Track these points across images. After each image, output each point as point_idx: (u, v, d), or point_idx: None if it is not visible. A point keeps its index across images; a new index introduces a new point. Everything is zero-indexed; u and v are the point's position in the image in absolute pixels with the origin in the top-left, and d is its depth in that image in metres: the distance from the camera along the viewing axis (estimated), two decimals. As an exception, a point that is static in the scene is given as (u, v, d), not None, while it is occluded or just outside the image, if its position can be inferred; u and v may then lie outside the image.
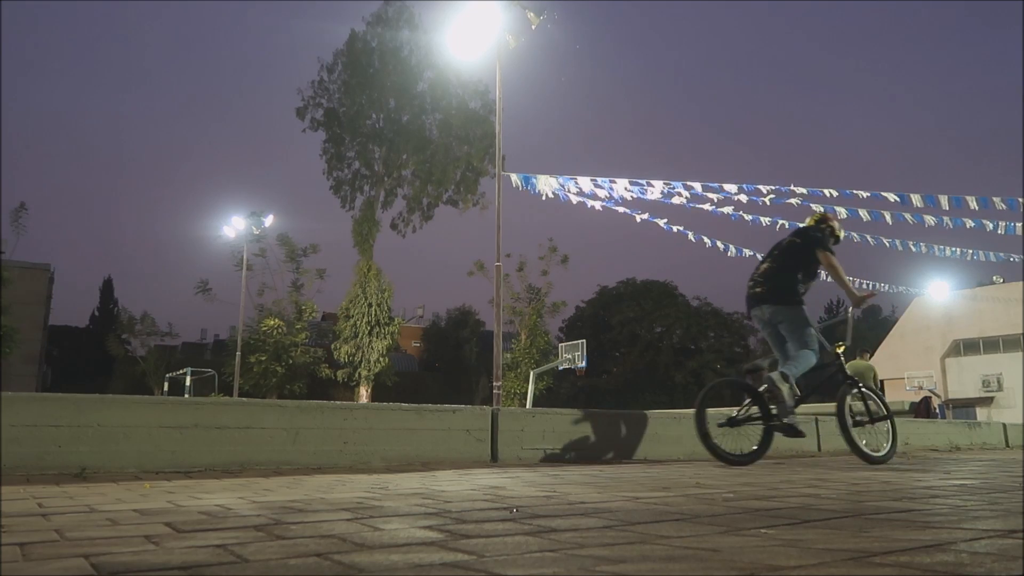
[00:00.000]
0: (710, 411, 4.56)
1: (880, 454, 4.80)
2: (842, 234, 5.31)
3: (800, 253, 4.98)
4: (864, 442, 4.78)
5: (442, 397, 35.61)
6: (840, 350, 5.06)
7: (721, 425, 4.64)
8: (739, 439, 4.71)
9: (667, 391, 47.34)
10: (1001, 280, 39.03)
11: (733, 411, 4.83)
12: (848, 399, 4.87)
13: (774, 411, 4.70)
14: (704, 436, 4.45)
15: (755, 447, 4.68)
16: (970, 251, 15.78)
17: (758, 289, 4.97)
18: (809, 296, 5.01)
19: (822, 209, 12.25)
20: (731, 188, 12.90)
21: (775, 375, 4.62)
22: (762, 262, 5.13)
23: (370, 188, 29.95)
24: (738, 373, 5.38)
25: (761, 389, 4.72)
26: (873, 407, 5.06)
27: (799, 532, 1.68)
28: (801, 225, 5.40)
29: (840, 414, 4.80)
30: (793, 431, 4.67)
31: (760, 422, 4.74)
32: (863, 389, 5.04)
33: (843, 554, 1.38)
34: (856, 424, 4.84)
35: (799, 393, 4.75)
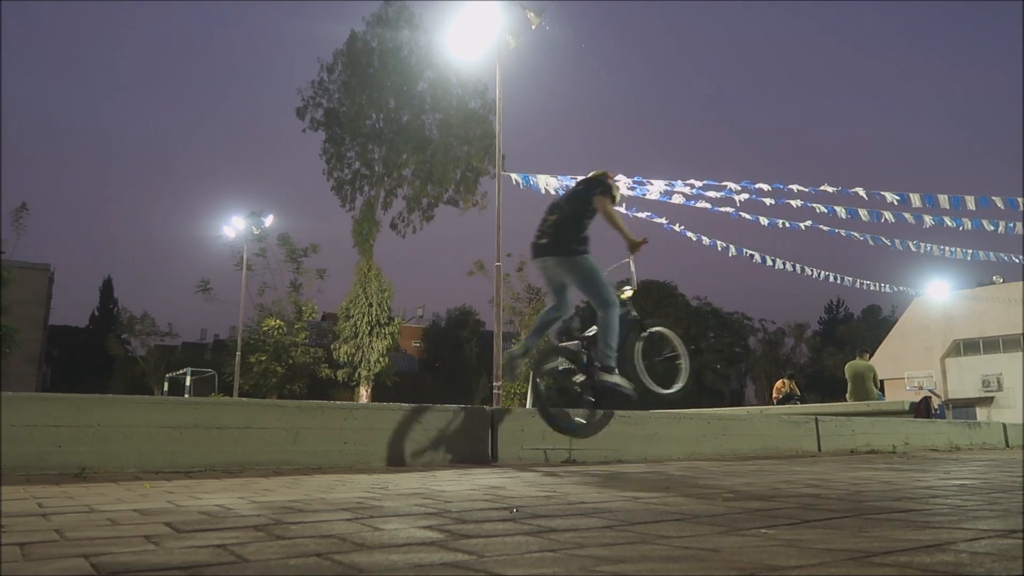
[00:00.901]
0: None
1: (670, 391, 4.92)
2: (618, 196, 5.13)
3: (585, 202, 4.83)
4: (651, 380, 4.86)
5: (442, 397, 35.61)
6: (626, 296, 5.05)
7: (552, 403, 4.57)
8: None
9: (667, 391, 47.30)
10: (1001, 280, 39.06)
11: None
12: (638, 343, 4.97)
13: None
14: (542, 408, 4.44)
15: (594, 418, 4.63)
16: (970, 251, 15.81)
17: (544, 240, 4.80)
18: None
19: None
20: (731, 187, 12.91)
21: (608, 379, 4.51)
22: (549, 214, 4.96)
23: (370, 188, 29.95)
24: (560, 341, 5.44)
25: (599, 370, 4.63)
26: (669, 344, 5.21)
27: (799, 532, 1.68)
28: (582, 176, 5.22)
29: (631, 357, 4.88)
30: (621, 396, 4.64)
31: (592, 395, 4.63)
32: (653, 329, 5.11)
33: (843, 554, 1.39)
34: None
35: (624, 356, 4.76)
